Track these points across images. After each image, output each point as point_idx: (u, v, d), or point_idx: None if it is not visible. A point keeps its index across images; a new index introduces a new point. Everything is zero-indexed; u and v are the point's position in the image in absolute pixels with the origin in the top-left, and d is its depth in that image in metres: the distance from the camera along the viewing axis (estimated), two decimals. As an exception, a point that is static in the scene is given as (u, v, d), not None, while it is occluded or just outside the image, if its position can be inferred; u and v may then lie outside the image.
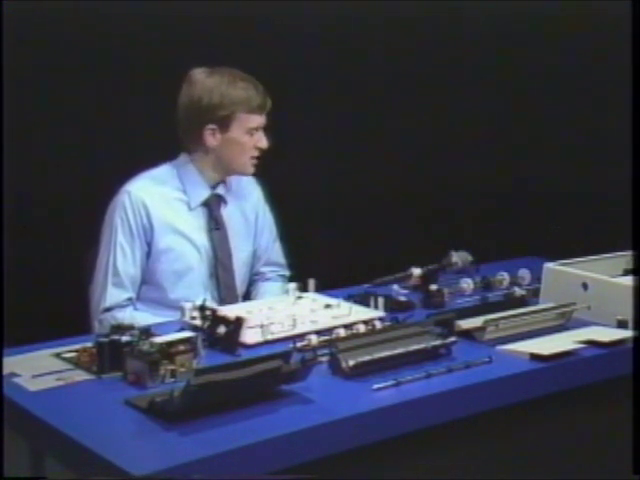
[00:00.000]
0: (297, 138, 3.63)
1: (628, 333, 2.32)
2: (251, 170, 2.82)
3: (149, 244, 2.73)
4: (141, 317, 2.63)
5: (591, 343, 2.26)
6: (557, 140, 3.78)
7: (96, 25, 3.36)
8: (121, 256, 2.70)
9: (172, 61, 2.90)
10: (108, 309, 2.69)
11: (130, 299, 2.71)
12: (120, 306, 2.69)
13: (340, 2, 3.63)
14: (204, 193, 2.80)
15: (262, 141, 2.77)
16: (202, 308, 2.34)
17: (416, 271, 2.72)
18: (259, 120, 2.76)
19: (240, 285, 2.87)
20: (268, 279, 3.01)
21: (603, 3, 3.53)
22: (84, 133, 3.39)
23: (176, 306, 2.60)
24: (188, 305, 2.38)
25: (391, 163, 3.81)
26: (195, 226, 2.79)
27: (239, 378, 1.86)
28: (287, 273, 3.04)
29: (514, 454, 2.18)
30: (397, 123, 3.81)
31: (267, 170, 2.97)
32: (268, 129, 2.81)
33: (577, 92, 3.69)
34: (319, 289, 2.66)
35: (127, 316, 2.65)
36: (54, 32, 3.31)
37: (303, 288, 2.65)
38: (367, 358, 2.07)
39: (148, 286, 2.75)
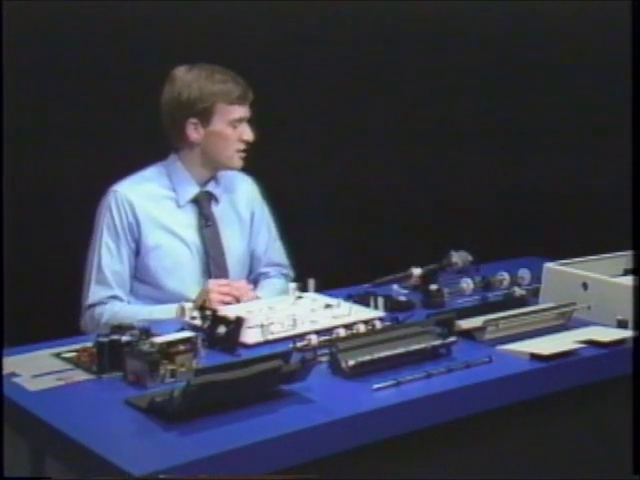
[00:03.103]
0: (297, 137, 3.63)
1: (628, 333, 2.32)
2: (239, 163, 2.82)
3: (137, 241, 2.74)
4: (120, 307, 2.69)
5: (591, 343, 2.26)
6: (557, 140, 3.78)
7: (97, 28, 3.36)
8: (107, 254, 2.72)
9: (167, 63, 2.89)
10: (90, 306, 2.72)
11: (114, 297, 2.72)
12: (102, 303, 2.71)
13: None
14: (193, 190, 2.81)
15: (247, 133, 2.77)
16: (202, 308, 2.35)
17: (416, 271, 2.72)
18: (241, 111, 2.76)
19: (237, 283, 2.86)
20: (270, 277, 3.00)
21: (603, 3, 3.53)
22: (84, 134, 3.38)
23: (168, 302, 2.64)
24: (188, 305, 2.38)
25: (391, 163, 3.81)
26: (185, 223, 2.80)
27: (239, 378, 1.86)
28: (291, 273, 3.03)
29: (514, 454, 2.18)
30: (397, 122, 3.81)
31: (267, 169, 2.98)
32: (268, 128, 2.81)
33: (577, 92, 3.68)
34: (319, 289, 2.66)
35: (107, 308, 2.69)
36: (51, 35, 3.31)
37: (303, 288, 2.65)
38: (367, 358, 2.07)
39: (141, 283, 2.77)
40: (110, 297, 2.72)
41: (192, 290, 2.71)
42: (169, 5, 3.41)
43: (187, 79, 2.74)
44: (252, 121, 2.80)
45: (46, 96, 3.31)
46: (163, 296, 2.73)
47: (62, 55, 3.33)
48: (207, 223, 2.82)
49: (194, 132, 2.75)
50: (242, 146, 2.78)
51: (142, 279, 2.76)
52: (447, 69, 3.77)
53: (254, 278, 2.97)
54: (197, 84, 2.73)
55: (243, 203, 2.93)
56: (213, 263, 2.81)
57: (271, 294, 2.84)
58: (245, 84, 2.77)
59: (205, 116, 2.74)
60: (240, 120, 2.76)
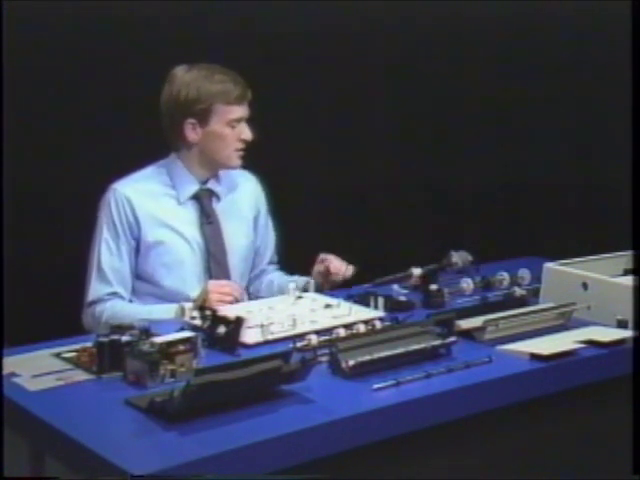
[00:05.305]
0: (297, 137, 3.63)
1: (628, 333, 2.32)
2: (237, 162, 2.82)
3: (137, 239, 2.75)
4: (121, 306, 2.69)
5: (591, 343, 2.26)
6: (557, 140, 3.78)
7: (96, 27, 3.36)
8: (106, 252, 2.73)
9: (168, 62, 2.90)
10: (91, 303, 2.73)
11: (114, 293, 2.73)
12: (102, 300, 2.72)
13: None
14: (193, 187, 2.81)
15: (245, 133, 2.78)
16: (202, 308, 2.35)
17: (416, 271, 2.72)
18: (239, 111, 2.76)
19: (239, 281, 2.86)
20: (269, 273, 3.01)
21: (603, 3, 3.53)
22: (84, 133, 3.39)
23: (169, 299, 2.66)
24: (188, 305, 2.39)
25: (391, 163, 3.81)
26: (185, 220, 2.80)
27: (239, 378, 1.86)
28: (275, 259, 3.04)
29: (514, 454, 2.18)
30: (397, 122, 3.81)
31: (267, 169, 2.97)
32: (268, 127, 2.81)
33: (578, 92, 3.69)
34: (319, 289, 2.66)
35: (107, 307, 2.69)
36: (51, 34, 3.31)
37: (303, 288, 2.65)
38: (367, 358, 2.07)
39: (142, 281, 2.77)
40: (110, 294, 2.72)
41: (192, 288, 2.72)
42: (169, 4, 3.41)
43: (186, 79, 2.75)
44: (252, 120, 2.80)
45: (46, 96, 3.31)
46: (163, 293, 2.74)
47: (61, 54, 3.32)
48: (208, 220, 2.83)
49: (192, 132, 2.76)
50: (241, 145, 2.79)
51: (142, 277, 2.77)
52: (447, 68, 3.77)
53: (256, 275, 2.98)
54: (195, 84, 2.73)
55: (247, 202, 2.93)
56: (214, 260, 2.81)
57: (273, 294, 2.85)
58: (244, 84, 2.77)
59: (203, 116, 2.74)
60: (239, 120, 2.76)
